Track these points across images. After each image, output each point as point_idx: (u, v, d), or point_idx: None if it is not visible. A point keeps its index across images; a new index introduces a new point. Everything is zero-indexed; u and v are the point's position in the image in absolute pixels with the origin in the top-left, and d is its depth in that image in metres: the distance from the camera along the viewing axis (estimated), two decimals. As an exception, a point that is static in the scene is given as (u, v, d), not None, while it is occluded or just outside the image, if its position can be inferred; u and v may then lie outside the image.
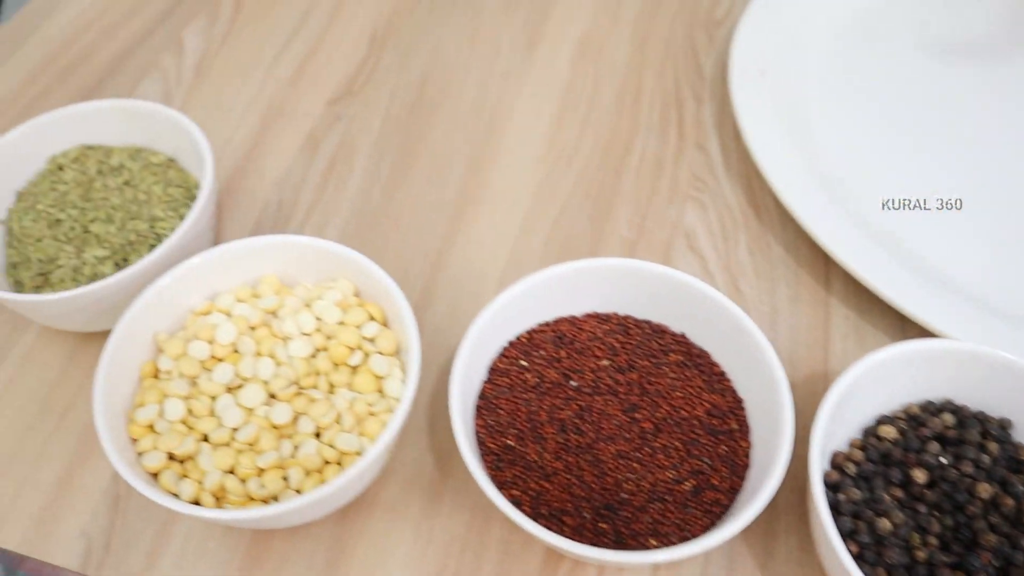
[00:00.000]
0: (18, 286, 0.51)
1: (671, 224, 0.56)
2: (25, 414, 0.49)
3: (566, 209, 0.57)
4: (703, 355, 0.46)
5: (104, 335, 0.52)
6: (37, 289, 0.50)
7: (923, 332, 0.51)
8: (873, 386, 0.44)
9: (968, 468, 0.42)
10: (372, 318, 0.46)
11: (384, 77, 0.65)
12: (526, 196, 0.57)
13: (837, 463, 0.43)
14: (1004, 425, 0.44)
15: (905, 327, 0.52)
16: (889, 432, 0.44)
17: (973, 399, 0.45)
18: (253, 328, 0.45)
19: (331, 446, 0.41)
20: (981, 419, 0.44)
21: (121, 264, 0.50)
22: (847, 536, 0.41)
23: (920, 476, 0.42)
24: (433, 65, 0.66)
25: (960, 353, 0.44)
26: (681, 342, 0.47)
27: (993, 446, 0.43)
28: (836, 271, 0.54)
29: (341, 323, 0.45)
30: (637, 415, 0.43)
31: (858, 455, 0.43)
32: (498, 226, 0.56)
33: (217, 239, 0.56)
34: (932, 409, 0.45)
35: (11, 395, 0.50)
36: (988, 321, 0.49)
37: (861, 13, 0.69)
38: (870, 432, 0.45)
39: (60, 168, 0.54)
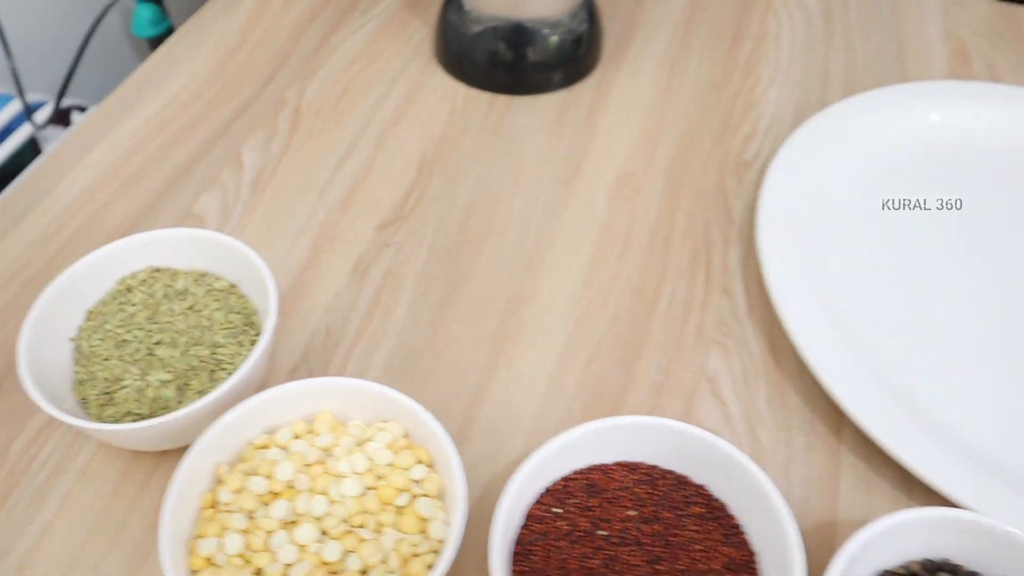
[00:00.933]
0: (84, 403, 0.54)
1: (696, 369, 0.60)
2: (80, 529, 0.52)
3: (599, 350, 0.60)
4: (721, 507, 0.50)
5: (157, 452, 0.55)
6: (101, 408, 0.53)
7: (930, 489, 0.54)
8: (877, 545, 0.47)
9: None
10: (420, 461, 0.49)
11: (431, 205, 0.69)
12: (562, 336, 0.61)
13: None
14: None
15: (911, 481, 0.55)
16: (893, 588, 0.47)
17: (972, 561, 0.48)
18: (309, 465, 0.49)
19: (378, 587, 0.45)
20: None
21: (183, 388, 0.54)
22: None
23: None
24: (478, 195, 0.70)
25: (962, 522, 0.47)
26: (703, 494, 0.50)
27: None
28: (848, 421, 0.58)
29: (391, 465, 0.49)
30: (659, 567, 0.47)
31: (863, 608, 0.47)
32: (534, 366, 0.59)
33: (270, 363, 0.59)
34: (931, 567, 0.48)
35: (68, 509, 0.53)
36: (999, 489, 0.51)
37: (892, 167, 0.71)
38: (874, 586, 0.48)
39: (129, 290, 0.58)
